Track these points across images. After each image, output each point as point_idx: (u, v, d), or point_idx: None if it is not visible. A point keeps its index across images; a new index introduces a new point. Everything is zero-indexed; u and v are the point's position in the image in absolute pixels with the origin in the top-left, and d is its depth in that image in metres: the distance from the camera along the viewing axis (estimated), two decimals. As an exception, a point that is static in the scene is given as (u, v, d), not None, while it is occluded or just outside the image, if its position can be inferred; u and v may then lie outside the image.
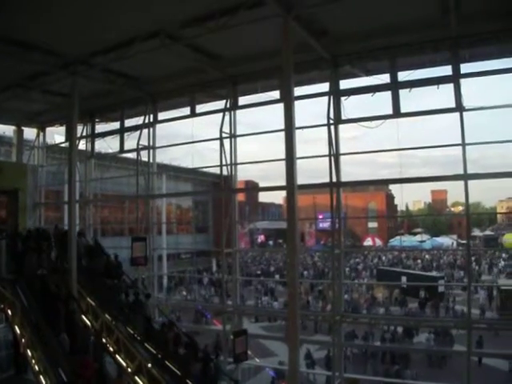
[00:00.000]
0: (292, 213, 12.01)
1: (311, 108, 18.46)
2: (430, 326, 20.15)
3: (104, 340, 13.95)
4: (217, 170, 18.21)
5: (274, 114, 17.12)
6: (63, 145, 23.62)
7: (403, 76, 14.90)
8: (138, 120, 20.48)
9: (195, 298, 31.06)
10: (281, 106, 13.48)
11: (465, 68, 14.18)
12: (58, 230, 19.57)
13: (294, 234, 12.04)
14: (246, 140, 18.13)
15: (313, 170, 17.03)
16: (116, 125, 21.70)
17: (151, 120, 20.17)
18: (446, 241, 58.74)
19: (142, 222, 19.95)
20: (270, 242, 67.69)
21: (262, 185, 60.41)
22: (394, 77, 15.02)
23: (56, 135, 25.10)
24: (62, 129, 23.22)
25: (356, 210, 65.19)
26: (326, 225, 69.47)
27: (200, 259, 40.31)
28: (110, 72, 17.02)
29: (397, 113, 14.88)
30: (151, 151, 20.29)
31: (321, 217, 59.03)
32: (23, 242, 18.00)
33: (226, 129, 17.78)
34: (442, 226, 75.03)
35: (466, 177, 13.73)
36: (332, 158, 15.41)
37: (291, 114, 12.09)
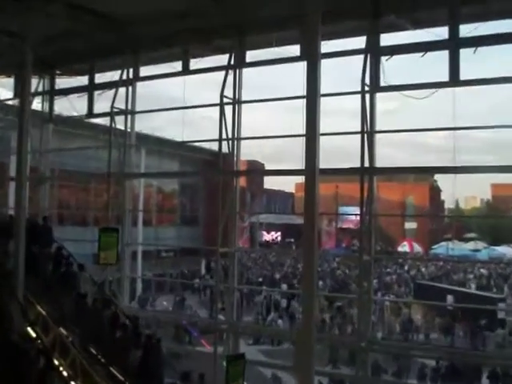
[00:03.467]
0: (311, 205, 12.03)
1: (337, 70, 18.48)
2: (489, 363, 19.96)
3: (56, 362, 13.89)
4: (213, 146, 18.30)
5: (289, 77, 17.14)
6: (11, 102, 23.57)
7: (466, 31, 14.62)
8: (113, 75, 20.52)
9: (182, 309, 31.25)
10: (301, 65, 13.47)
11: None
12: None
13: (312, 233, 12.07)
14: (253, 108, 18.18)
15: (335, 152, 17.14)
16: (83, 80, 21.75)
17: (130, 76, 20.18)
18: (509, 251, 58.03)
19: (112, 208, 20.06)
20: (277, 240, 67.99)
21: (268, 167, 60.26)
22: (453, 31, 14.81)
23: (1, 89, 25.04)
24: (10, 81, 23.21)
25: (390, 206, 65.03)
26: (350, 222, 69.76)
27: (185, 259, 40.47)
28: (76, 8, 16.75)
29: (455, 80, 14.78)
30: (129, 117, 20.33)
31: (349, 211, 58.99)
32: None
33: (229, 93, 17.78)
34: (504, 232, 73.27)
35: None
36: (365, 136, 15.40)
37: (316, 77, 12.06)
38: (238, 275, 18.81)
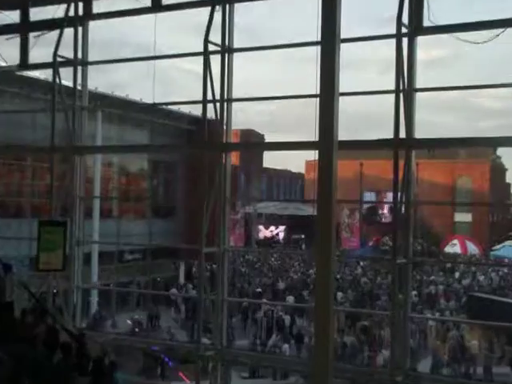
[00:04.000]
0: (327, 190, 12.09)
1: (364, 7, 18.53)
2: None
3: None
4: (195, 110, 18.35)
5: (298, 17, 17.17)
6: None
7: None
8: (56, 10, 20.45)
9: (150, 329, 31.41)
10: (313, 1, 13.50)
11: None
12: None
13: (328, 227, 12.10)
14: (249, 59, 18.31)
15: (359, 118, 17.28)
16: (14, 16, 21.69)
17: (80, 13, 20.20)
18: None
19: (58, 194, 20.17)
20: (279, 237, 68.16)
21: (269, 138, 60.37)
22: None
23: None
24: None
25: (434, 191, 64.88)
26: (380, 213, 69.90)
27: (158, 263, 40.58)
28: None
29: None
30: (79, 69, 20.37)
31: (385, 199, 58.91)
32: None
33: (216, 38, 17.82)
34: None
35: None
36: (401, 96, 15.48)
37: (335, 14, 12.08)
38: (228, 284, 18.96)
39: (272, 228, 68.45)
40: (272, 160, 76.05)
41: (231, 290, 32.47)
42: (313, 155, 13.12)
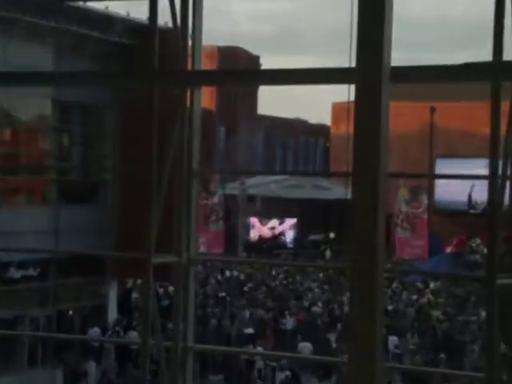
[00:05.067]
0: (370, 155, 12.16)
1: None
2: None
3: None
4: (136, 10, 18.41)
5: None
6: None
7: None
8: None
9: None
10: None
11: None
12: None
13: (372, 221, 12.21)
14: None
15: (428, 28, 17.24)
16: None
17: None
18: None
19: None
20: (286, 237, 68.47)
21: (267, 62, 60.26)
22: None
23: None
24: None
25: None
26: (462, 195, 69.95)
27: (70, 285, 40.79)
28: None
29: None
30: None
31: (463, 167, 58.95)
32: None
33: None
34: None
35: None
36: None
37: None
38: (197, 320, 19.10)
39: (274, 222, 68.67)
40: (274, 103, 76.06)
41: (201, 330, 32.75)
42: (345, 94, 12.95)
